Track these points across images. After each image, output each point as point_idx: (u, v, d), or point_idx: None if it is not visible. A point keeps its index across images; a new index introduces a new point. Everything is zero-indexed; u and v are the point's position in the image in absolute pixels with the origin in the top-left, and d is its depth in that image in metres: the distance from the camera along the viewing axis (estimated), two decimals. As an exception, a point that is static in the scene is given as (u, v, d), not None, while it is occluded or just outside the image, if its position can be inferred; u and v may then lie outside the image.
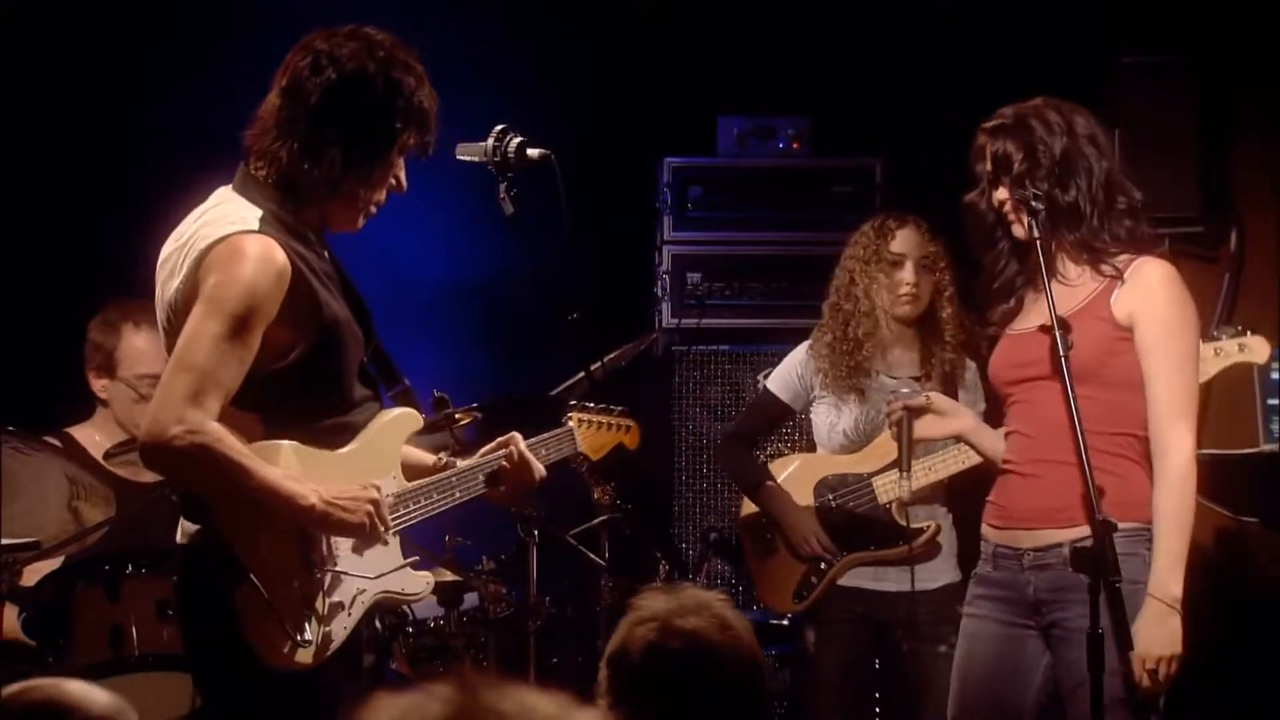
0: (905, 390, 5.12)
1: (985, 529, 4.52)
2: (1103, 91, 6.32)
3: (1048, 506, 4.32)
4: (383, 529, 3.85)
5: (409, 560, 4.00)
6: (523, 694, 1.93)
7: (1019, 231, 4.33)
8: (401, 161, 3.92)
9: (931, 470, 5.30)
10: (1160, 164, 6.19)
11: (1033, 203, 4.26)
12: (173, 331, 3.73)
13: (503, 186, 4.22)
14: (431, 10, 6.78)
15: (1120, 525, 4.12)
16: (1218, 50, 6.31)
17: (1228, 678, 5.99)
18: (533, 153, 4.25)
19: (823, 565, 5.47)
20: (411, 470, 4.05)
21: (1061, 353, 4.22)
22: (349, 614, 3.84)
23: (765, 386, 5.78)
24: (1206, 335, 4.70)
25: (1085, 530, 4.16)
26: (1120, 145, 6.19)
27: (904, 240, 5.50)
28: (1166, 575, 4.13)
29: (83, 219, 6.50)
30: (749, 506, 5.71)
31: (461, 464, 4.15)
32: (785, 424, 6.06)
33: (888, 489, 5.39)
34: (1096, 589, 4.01)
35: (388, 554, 3.94)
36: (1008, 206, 4.34)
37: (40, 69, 6.53)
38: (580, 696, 2.00)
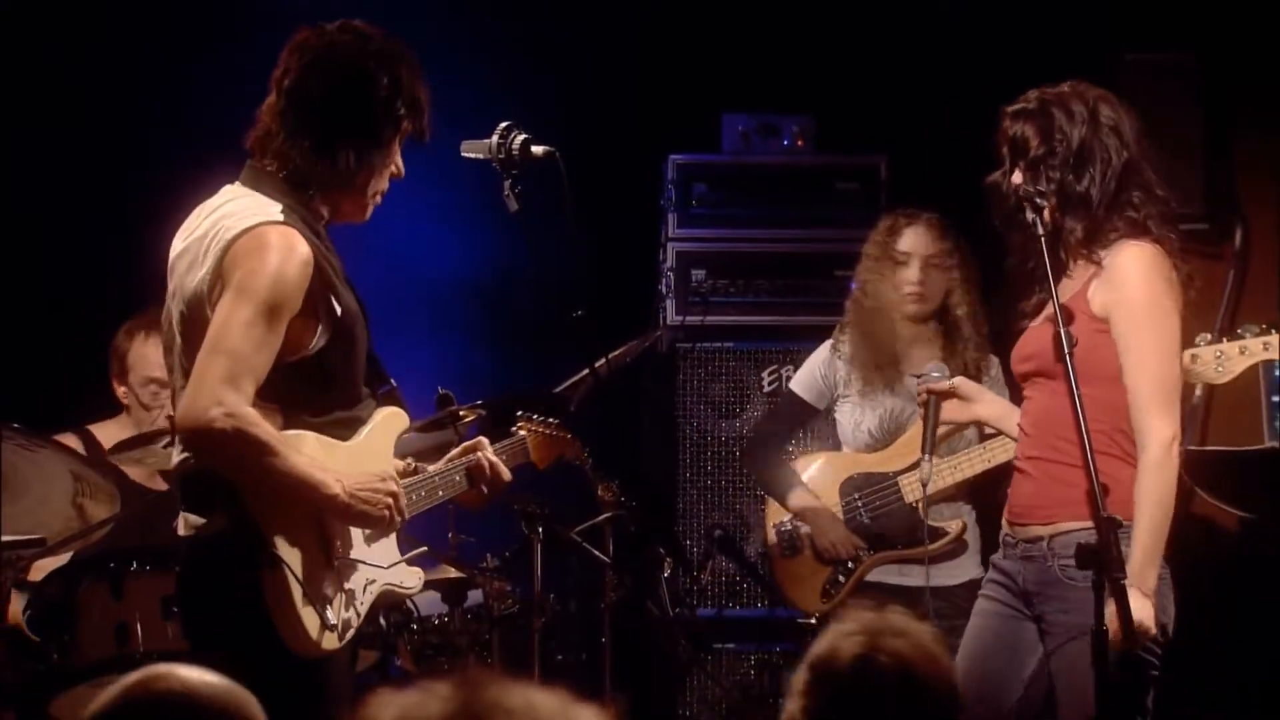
0: (934, 374, 5.13)
1: (1002, 523, 4.57)
2: (1106, 89, 6.32)
3: (1033, 503, 4.36)
4: (400, 520, 3.94)
5: (417, 551, 4.09)
6: (524, 690, 1.93)
7: (1029, 215, 4.34)
8: (398, 148, 4.00)
9: (957, 469, 5.32)
10: (1164, 162, 6.17)
11: (1036, 199, 4.25)
12: (194, 321, 3.78)
13: (507, 184, 4.24)
14: (434, 7, 6.79)
15: (1091, 524, 4.13)
16: (1221, 48, 6.31)
17: (1224, 673, 6.00)
18: (537, 150, 4.27)
19: (850, 564, 5.48)
20: None
21: (1066, 349, 4.22)
22: (361, 602, 3.91)
23: (789, 388, 5.81)
24: (1230, 334, 4.70)
25: (1063, 527, 4.23)
26: None
27: (911, 239, 5.51)
28: (1143, 566, 4.13)
29: (83, 219, 6.50)
30: (776, 508, 5.71)
31: (432, 467, 4.23)
32: (811, 424, 6.04)
33: (914, 488, 5.39)
34: (1100, 585, 4.00)
35: (389, 547, 4.02)
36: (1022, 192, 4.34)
37: (40, 69, 6.53)
38: (583, 693, 2.00)
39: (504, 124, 4.28)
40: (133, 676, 2.25)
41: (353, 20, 3.99)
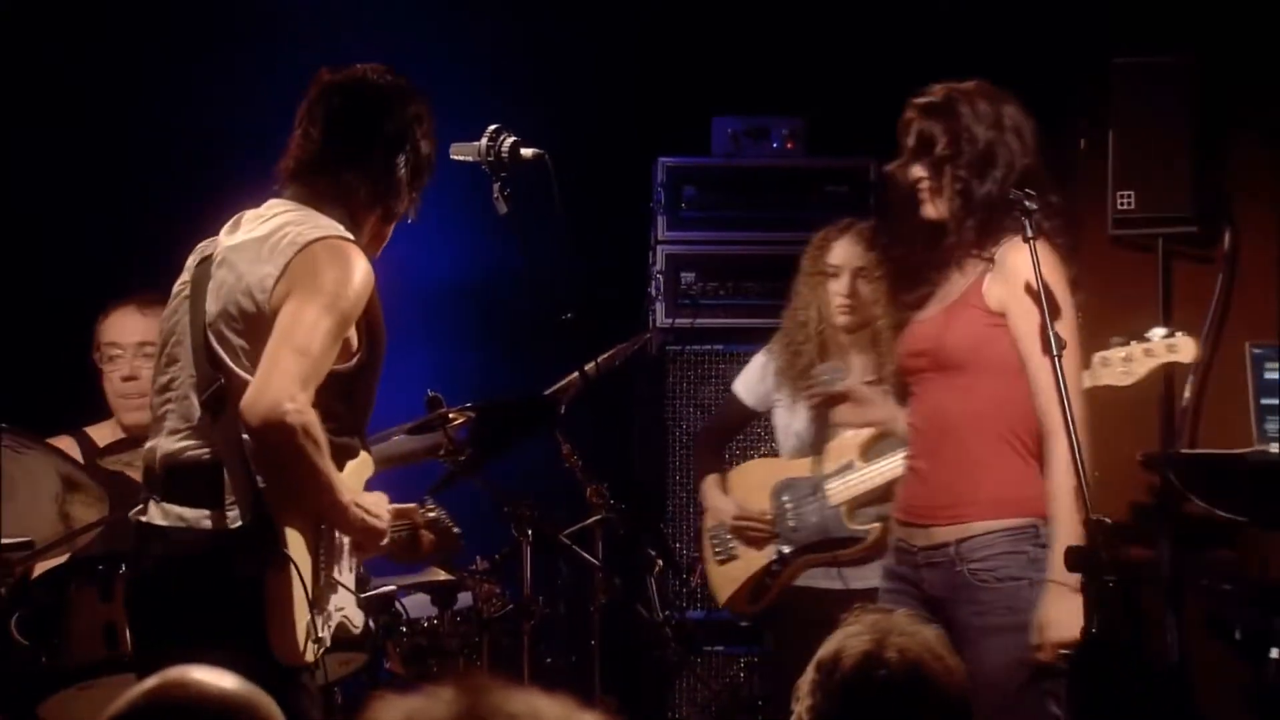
0: (826, 377, 5.18)
1: (892, 523, 4.57)
2: (1097, 91, 6.33)
3: (935, 504, 4.34)
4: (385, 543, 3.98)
5: (381, 589, 4.06)
6: (528, 696, 1.93)
7: (929, 211, 4.37)
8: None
9: (884, 472, 5.31)
10: (1154, 164, 6.22)
11: (1026, 203, 4.27)
12: (248, 315, 3.81)
13: (496, 186, 4.25)
14: (426, 10, 6.81)
15: (1002, 523, 4.19)
16: (1212, 50, 6.30)
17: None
18: (526, 152, 4.28)
19: (774, 568, 5.48)
20: None
21: (1055, 351, 4.23)
22: (331, 625, 3.92)
23: (731, 389, 5.85)
24: (1138, 335, 4.74)
25: (969, 529, 4.24)
26: (1114, 145, 6.27)
27: (840, 252, 5.54)
28: (1061, 562, 4.07)
29: (83, 219, 6.50)
30: (710, 513, 5.76)
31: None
32: (749, 426, 6.09)
33: (840, 491, 5.40)
34: (1091, 588, 4.00)
35: (351, 582, 4.04)
36: (923, 185, 4.36)
37: (40, 69, 6.53)
38: (576, 697, 1.99)
39: (493, 126, 4.29)
40: (150, 681, 2.24)
41: (373, 65, 4.08)
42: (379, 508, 3.93)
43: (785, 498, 5.50)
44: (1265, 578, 5.84)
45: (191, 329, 3.90)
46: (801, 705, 2.90)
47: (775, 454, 5.81)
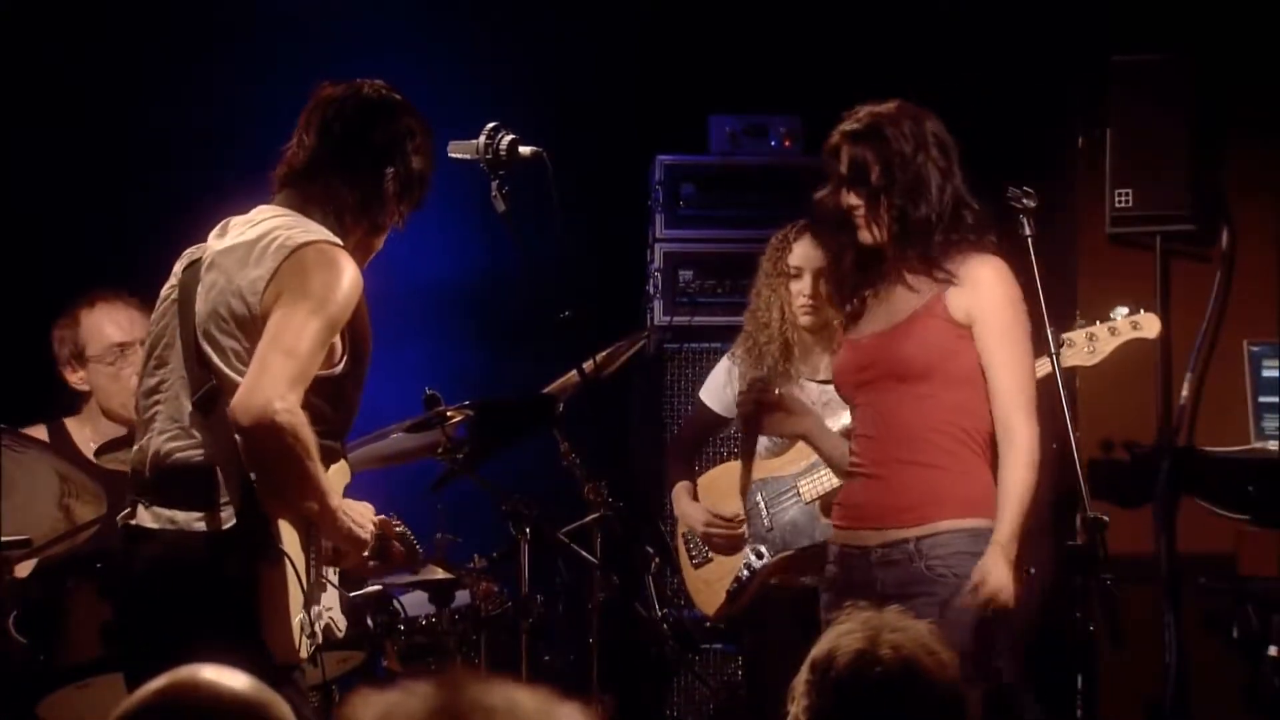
0: (760, 383, 5.20)
1: (832, 533, 4.62)
2: (1096, 90, 6.33)
3: (895, 505, 4.39)
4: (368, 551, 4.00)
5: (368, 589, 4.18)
6: (505, 689, 1.92)
7: (865, 237, 4.44)
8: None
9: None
10: (1152, 163, 6.23)
11: (1024, 200, 4.33)
12: (238, 317, 3.83)
13: (495, 184, 4.24)
14: (425, 8, 6.81)
15: (964, 523, 4.28)
16: (1211, 49, 6.31)
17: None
18: (524, 150, 4.27)
19: (749, 570, 5.46)
20: None
21: (1052, 349, 4.29)
22: (322, 625, 3.92)
23: (698, 396, 5.85)
24: (1101, 317, 4.84)
25: (933, 528, 4.32)
26: (1111, 144, 6.27)
27: (800, 253, 5.52)
28: (1009, 536, 4.25)
29: (83, 219, 6.52)
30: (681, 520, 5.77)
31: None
32: (719, 433, 6.06)
33: (812, 487, 5.39)
34: (1089, 587, 4.02)
35: (336, 582, 4.06)
36: (859, 212, 4.42)
37: (40, 69, 6.54)
38: (571, 693, 1.99)
39: (491, 124, 4.28)
40: (158, 681, 2.23)
41: (372, 80, 4.11)
42: (365, 517, 3.96)
43: (758, 498, 5.50)
44: (1262, 576, 5.84)
45: (181, 331, 3.92)
46: (797, 706, 2.90)
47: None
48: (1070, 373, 5.06)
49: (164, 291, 4.03)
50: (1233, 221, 6.31)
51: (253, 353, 3.77)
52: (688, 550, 5.71)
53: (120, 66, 6.53)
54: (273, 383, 3.69)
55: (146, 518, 3.86)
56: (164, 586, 3.85)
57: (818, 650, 2.94)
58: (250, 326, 3.82)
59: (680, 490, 5.71)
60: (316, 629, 3.85)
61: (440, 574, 5.49)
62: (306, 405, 3.77)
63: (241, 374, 3.77)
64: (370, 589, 5.19)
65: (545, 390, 5.15)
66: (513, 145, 4.26)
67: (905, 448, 4.38)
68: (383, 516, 4.08)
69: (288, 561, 3.76)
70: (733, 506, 5.56)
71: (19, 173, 6.37)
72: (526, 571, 5.18)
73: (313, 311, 3.76)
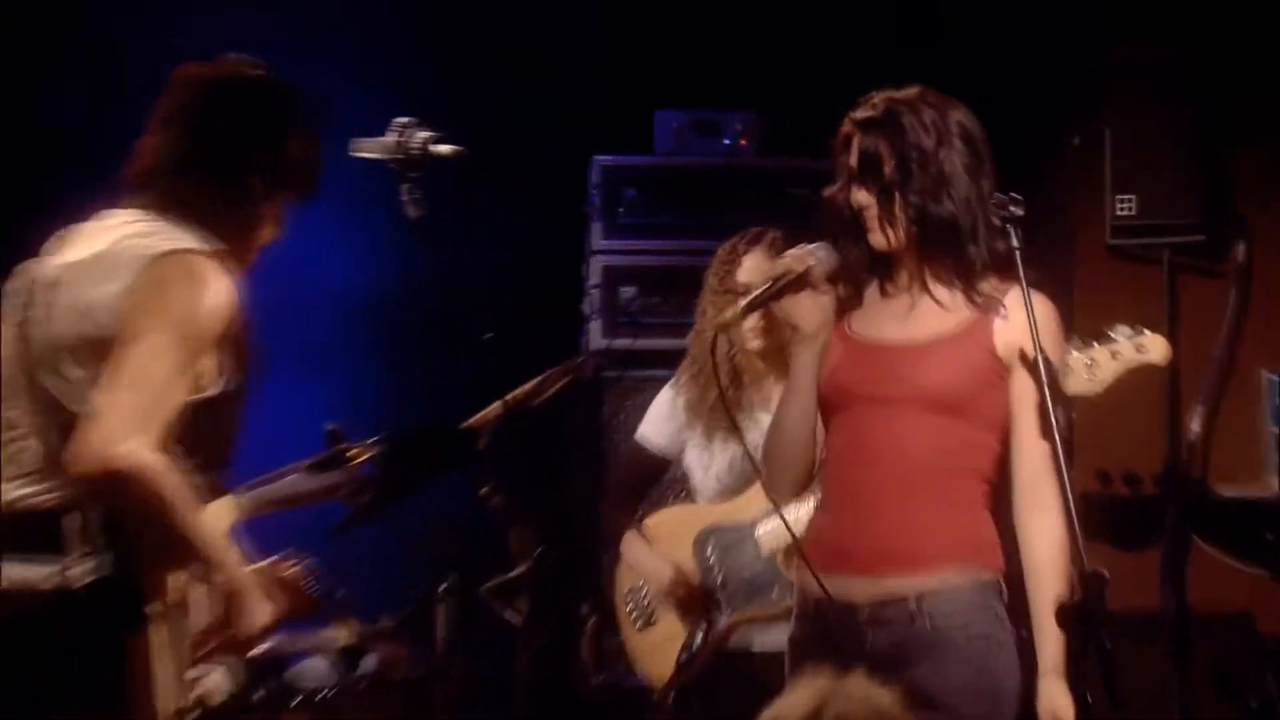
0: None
1: (804, 578, 4.40)
2: (1089, 85, 6.36)
3: (892, 548, 4.25)
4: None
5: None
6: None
7: (878, 241, 4.34)
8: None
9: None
10: (1156, 167, 6.26)
11: (1011, 208, 4.28)
12: (101, 341, 3.79)
13: (406, 188, 4.21)
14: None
15: (973, 575, 4.20)
16: (1219, 37, 6.34)
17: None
18: (442, 149, 4.25)
19: (700, 634, 5.44)
20: None
21: (1045, 377, 4.23)
22: (198, 692, 3.92)
23: (634, 438, 5.78)
24: (1101, 337, 4.74)
25: (938, 580, 4.19)
26: (1111, 144, 6.28)
27: (750, 267, 5.50)
28: (1061, 653, 4.11)
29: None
30: (622, 573, 5.73)
31: None
32: (663, 476, 5.98)
33: (772, 538, 5.37)
34: (1085, 649, 3.99)
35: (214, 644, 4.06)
36: (870, 212, 4.35)
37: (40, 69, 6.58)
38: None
39: (403, 120, 4.24)
40: None
41: (234, 55, 4.08)
42: (269, 569, 3.99)
43: (709, 549, 5.46)
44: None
45: (22, 363, 3.88)
46: None
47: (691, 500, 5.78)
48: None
49: None
50: (1249, 231, 6.32)
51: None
52: (631, 609, 5.67)
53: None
54: (114, 424, 3.67)
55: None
56: (11, 652, 3.78)
57: (767, 714, 2.92)
58: (103, 350, 3.77)
59: (632, 540, 5.64)
60: (187, 701, 3.81)
61: (342, 635, 5.45)
62: (173, 437, 3.74)
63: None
64: (259, 651, 5.14)
65: (465, 424, 5.11)
66: (428, 143, 4.23)
67: (911, 482, 4.26)
68: (273, 559, 4.04)
69: (156, 627, 3.71)
70: (683, 556, 5.52)
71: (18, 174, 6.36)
72: (443, 632, 5.13)
73: (170, 333, 3.74)
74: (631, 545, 5.66)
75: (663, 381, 6.12)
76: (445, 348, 5.29)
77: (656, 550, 5.61)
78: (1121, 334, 4.73)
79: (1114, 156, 6.29)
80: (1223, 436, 6.23)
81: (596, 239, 6.80)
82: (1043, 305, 4.24)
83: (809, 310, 4.39)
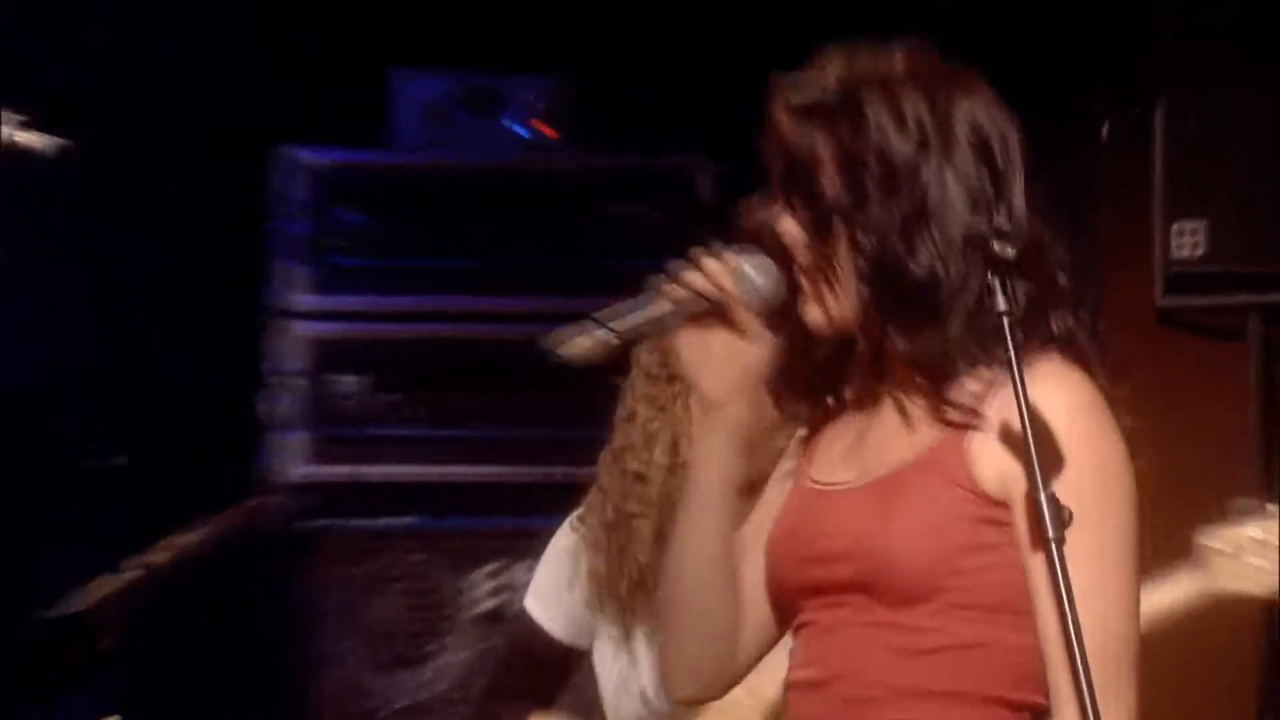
0: None
1: None
2: (1131, 56, 6.51)
3: None
4: None
5: None
6: None
7: (813, 314, 4.26)
8: None
9: None
10: (1236, 176, 6.29)
11: (994, 243, 4.22)
12: None
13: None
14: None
15: None
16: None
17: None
18: (30, 139, 4.38)
19: None
20: None
21: (1050, 533, 4.19)
22: None
23: (522, 606, 5.77)
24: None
25: None
26: (1162, 143, 6.35)
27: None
28: None
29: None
30: None
31: None
32: (565, 671, 5.98)
33: None
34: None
35: None
36: (799, 257, 4.26)
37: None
38: None
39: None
40: None
41: None
42: None
43: None
44: None
45: None
46: None
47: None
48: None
49: None
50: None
51: None
52: None
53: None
54: None
55: None
56: None
57: None
58: None
59: None
60: None
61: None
62: None
63: None
64: None
65: (77, 608, 5.04)
66: (15, 131, 4.39)
67: (891, 700, 4.29)
68: None
69: None
70: None
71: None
72: None
73: None
74: None
75: (406, 537, 6.12)
76: (55, 477, 5.24)
77: None
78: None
79: (1168, 164, 6.33)
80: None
81: (294, 294, 6.74)
82: (1066, 387, 4.20)
83: (717, 361, 4.21)
